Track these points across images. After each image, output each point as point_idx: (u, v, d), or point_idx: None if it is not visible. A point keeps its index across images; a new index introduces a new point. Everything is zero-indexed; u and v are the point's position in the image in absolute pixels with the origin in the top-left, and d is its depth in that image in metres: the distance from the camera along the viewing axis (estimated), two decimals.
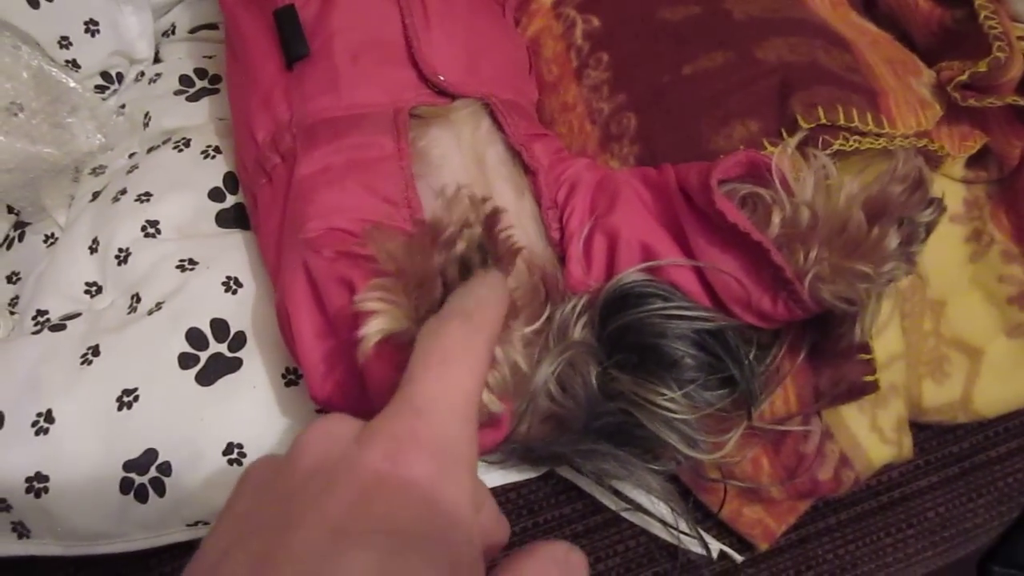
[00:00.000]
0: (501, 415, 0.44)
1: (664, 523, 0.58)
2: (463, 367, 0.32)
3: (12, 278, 0.70)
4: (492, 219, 0.40)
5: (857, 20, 0.69)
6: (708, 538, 0.58)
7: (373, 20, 0.60)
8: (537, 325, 0.52)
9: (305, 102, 0.58)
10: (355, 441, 0.30)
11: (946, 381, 0.62)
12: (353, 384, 0.46)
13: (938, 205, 0.48)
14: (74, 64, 0.77)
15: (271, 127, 0.59)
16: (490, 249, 0.40)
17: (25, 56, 0.73)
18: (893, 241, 0.47)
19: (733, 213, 0.49)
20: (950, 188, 0.67)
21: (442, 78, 0.59)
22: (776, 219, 0.50)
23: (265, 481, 0.31)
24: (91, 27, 0.77)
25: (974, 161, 0.67)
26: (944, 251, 0.65)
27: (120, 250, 0.63)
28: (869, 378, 0.54)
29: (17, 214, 0.74)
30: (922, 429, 0.64)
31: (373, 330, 0.39)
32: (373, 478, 0.28)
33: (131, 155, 0.72)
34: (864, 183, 0.50)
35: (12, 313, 0.67)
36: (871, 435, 0.57)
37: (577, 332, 0.52)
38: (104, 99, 0.79)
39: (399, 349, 0.40)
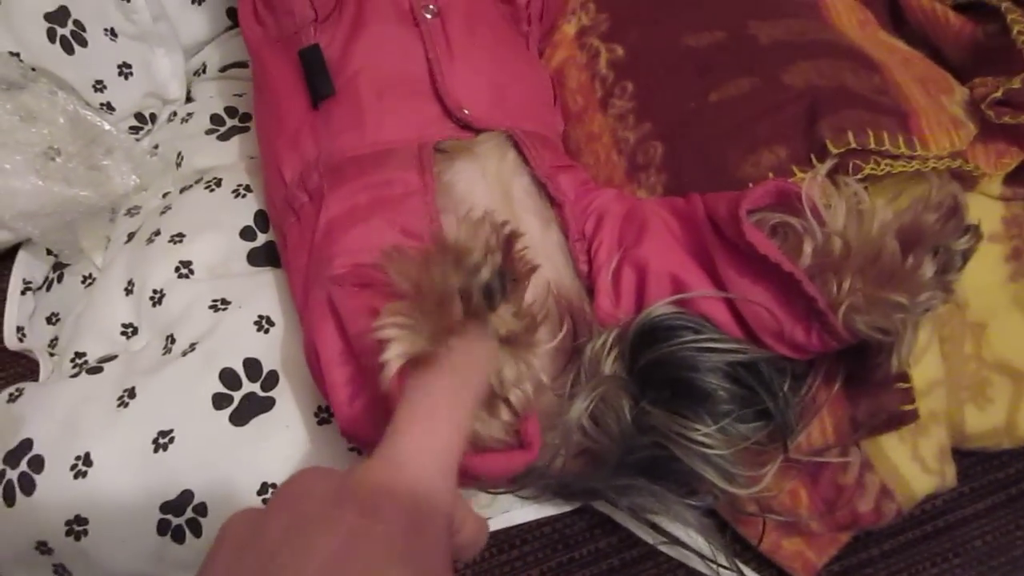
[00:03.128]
0: (530, 436, 0.44)
1: (702, 556, 0.57)
2: (448, 422, 0.34)
3: (52, 319, 0.71)
4: (509, 241, 0.41)
5: (886, 39, 0.68)
6: (747, 571, 0.57)
7: (397, 55, 0.60)
8: (557, 341, 0.52)
9: (332, 140, 0.59)
10: (333, 497, 0.31)
11: (989, 406, 0.60)
12: (381, 415, 0.46)
13: (974, 232, 0.47)
14: (108, 107, 0.78)
15: (299, 166, 0.60)
16: (508, 272, 0.40)
17: (61, 101, 0.75)
18: (929, 270, 0.46)
19: (763, 244, 0.48)
20: (988, 206, 0.65)
21: (466, 112, 0.59)
22: (807, 249, 0.49)
23: (244, 539, 0.31)
24: (124, 70, 0.78)
25: (1012, 178, 0.65)
26: (983, 271, 0.63)
27: (154, 291, 0.64)
28: (908, 407, 0.52)
29: (56, 256, 0.75)
30: (965, 455, 0.62)
31: (393, 355, 0.39)
32: (348, 535, 0.29)
33: (165, 195, 0.73)
34: (897, 210, 0.49)
35: (52, 355, 0.68)
36: (912, 465, 0.55)
37: (608, 366, 0.52)
38: (138, 140, 0.80)
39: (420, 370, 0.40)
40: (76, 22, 0.76)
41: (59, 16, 0.75)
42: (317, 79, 0.60)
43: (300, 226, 0.58)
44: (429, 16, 0.61)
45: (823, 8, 0.67)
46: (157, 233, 0.67)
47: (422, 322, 0.40)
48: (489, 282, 0.39)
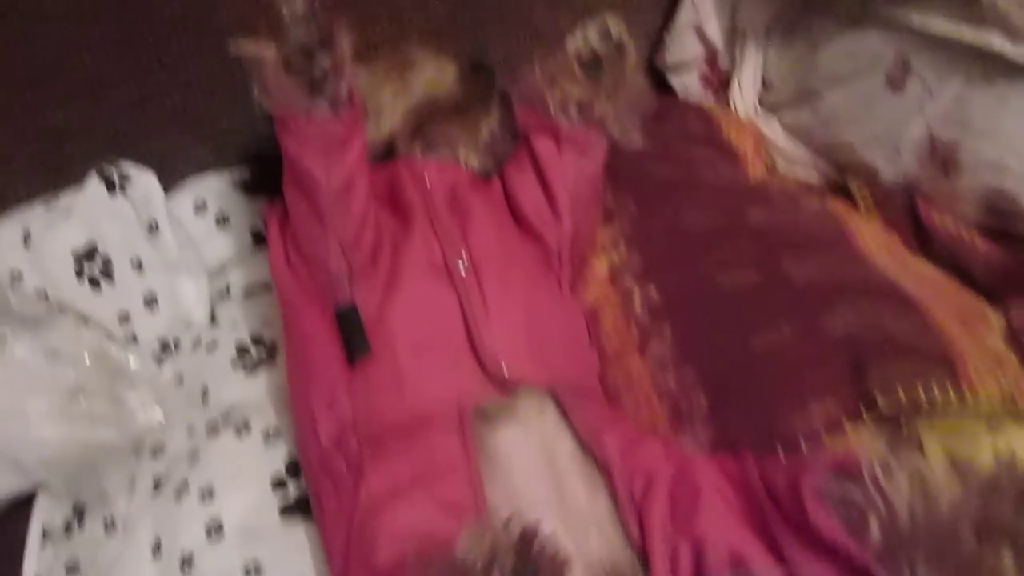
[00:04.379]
0: None
1: None
2: None
3: (72, 568, 0.69)
4: (529, 538, 0.41)
5: (916, 265, 0.68)
6: None
7: (433, 313, 0.60)
8: None
9: (369, 402, 0.58)
10: None
11: None
12: None
13: None
14: (133, 338, 0.78)
15: (334, 427, 0.59)
16: (530, 570, 0.41)
17: (87, 338, 0.75)
18: (1007, 562, 0.44)
19: (831, 529, 0.47)
20: None
21: (505, 369, 0.58)
22: (874, 527, 0.47)
23: None
24: (150, 301, 0.78)
25: None
26: None
27: (183, 556, 0.61)
28: None
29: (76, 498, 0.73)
30: None
31: None
32: None
33: (191, 433, 0.72)
34: (965, 487, 0.47)
35: None
36: None
37: None
38: (160, 366, 0.79)
39: None
40: (104, 258, 0.77)
41: (88, 254, 0.76)
42: (353, 339, 0.59)
43: (338, 496, 0.56)
44: (463, 271, 0.61)
45: (852, 237, 0.68)
46: (185, 487, 0.65)
47: None
48: None
